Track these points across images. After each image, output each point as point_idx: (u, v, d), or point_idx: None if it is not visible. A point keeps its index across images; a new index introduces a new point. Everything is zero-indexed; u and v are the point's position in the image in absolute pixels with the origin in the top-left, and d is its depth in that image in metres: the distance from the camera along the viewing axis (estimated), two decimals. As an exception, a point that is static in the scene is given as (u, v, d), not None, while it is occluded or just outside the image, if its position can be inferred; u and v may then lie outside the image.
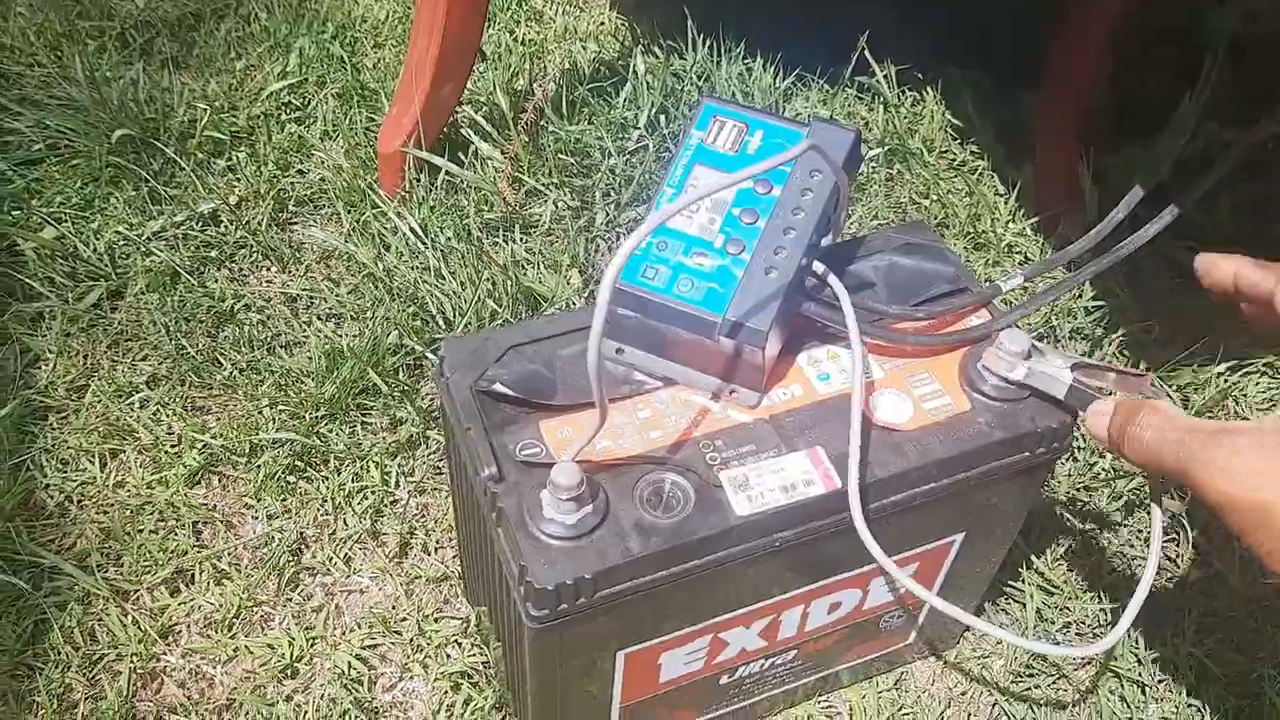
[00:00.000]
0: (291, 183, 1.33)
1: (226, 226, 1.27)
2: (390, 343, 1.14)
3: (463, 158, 1.32)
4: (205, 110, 1.37)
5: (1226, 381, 1.16)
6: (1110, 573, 1.04)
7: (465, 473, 0.76)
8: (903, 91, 1.44)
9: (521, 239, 1.26)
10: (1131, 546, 1.05)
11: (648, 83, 1.39)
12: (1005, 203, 1.32)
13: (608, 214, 1.27)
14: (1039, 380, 0.75)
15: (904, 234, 0.86)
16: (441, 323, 1.17)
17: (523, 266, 1.22)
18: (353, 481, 1.07)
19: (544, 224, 1.27)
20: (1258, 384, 1.18)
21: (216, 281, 1.22)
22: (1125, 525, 1.07)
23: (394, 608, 1.00)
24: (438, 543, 1.04)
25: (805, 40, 1.48)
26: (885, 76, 1.42)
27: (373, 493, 1.06)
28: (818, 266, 0.76)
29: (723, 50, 1.43)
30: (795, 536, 0.72)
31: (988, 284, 0.83)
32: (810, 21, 1.53)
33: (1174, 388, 1.15)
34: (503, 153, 1.32)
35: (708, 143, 0.79)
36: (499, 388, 0.73)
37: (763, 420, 0.74)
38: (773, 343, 0.73)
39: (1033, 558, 1.03)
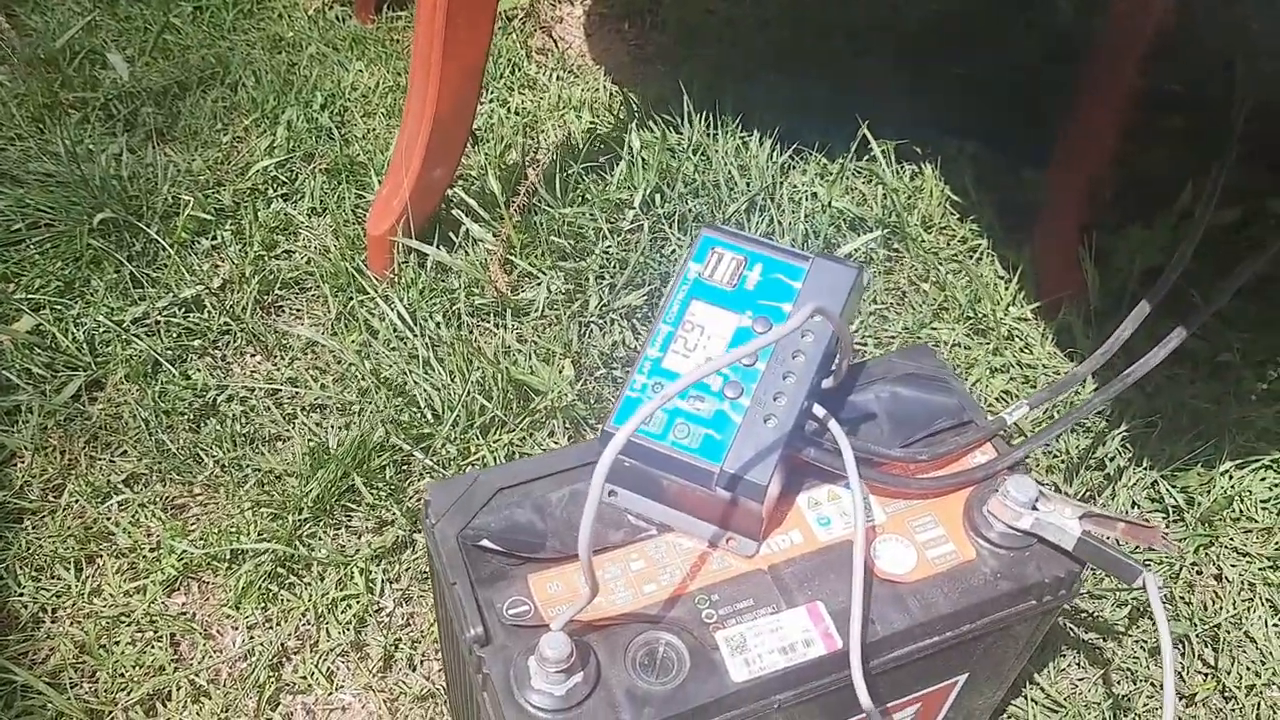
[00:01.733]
0: (278, 264, 1.30)
1: (210, 312, 1.24)
2: (377, 440, 1.11)
3: (454, 238, 1.30)
4: (190, 187, 1.34)
5: (1232, 480, 1.13)
6: (1117, 684, 1.01)
7: (451, 624, 0.73)
8: (901, 166, 1.42)
9: (513, 325, 1.23)
10: (1135, 659, 1.02)
11: (643, 159, 1.36)
12: (1006, 286, 1.30)
13: (601, 297, 1.25)
14: (1047, 530, 0.72)
15: (907, 360, 0.83)
16: (430, 416, 1.14)
17: (514, 357, 1.19)
18: (336, 589, 1.04)
19: (537, 309, 1.24)
20: (1263, 479, 1.15)
21: (199, 371, 1.19)
22: (1129, 635, 1.04)
23: (378, 728, 0.97)
24: (423, 656, 1.01)
25: (803, 112, 1.46)
26: (884, 153, 1.40)
27: (357, 601, 1.03)
28: (818, 410, 0.73)
29: (719, 124, 1.41)
30: (794, 698, 0.69)
31: (993, 418, 0.80)
32: (808, 93, 1.51)
33: (1179, 489, 1.12)
34: (495, 235, 1.29)
35: (705, 276, 0.76)
36: (486, 543, 0.70)
37: (761, 571, 0.71)
38: (772, 493, 0.71)
39: (1035, 675, 1.00)
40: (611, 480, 0.74)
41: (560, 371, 1.18)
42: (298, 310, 1.27)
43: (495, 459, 1.11)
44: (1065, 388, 0.87)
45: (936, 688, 0.80)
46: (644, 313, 1.25)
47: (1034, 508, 0.72)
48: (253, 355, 1.23)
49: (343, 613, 1.02)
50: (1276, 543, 1.10)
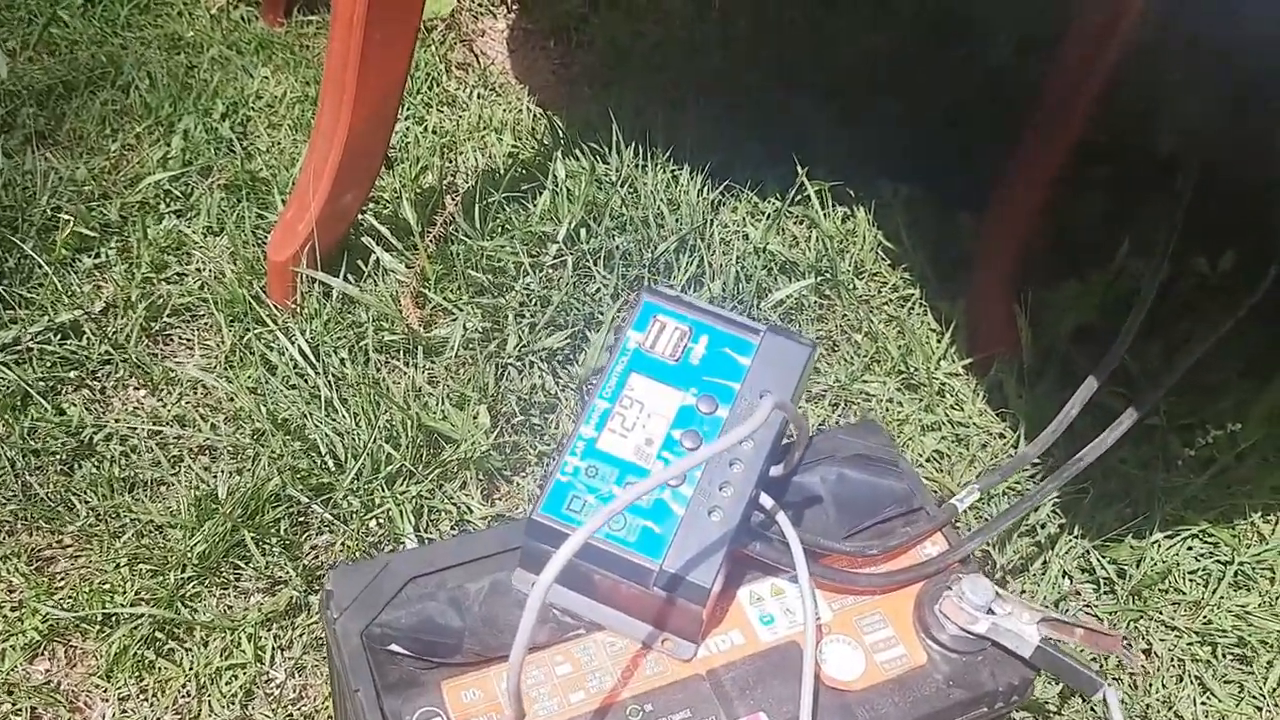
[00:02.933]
0: (168, 288, 1.19)
1: (89, 339, 1.13)
2: (271, 489, 1.02)
3: (363, 267, 1.21)
4: (73, 198, 1.22)
5: (1161, 551, 1.11)
6: (1046, 770, 0.98)
7: (351, 730, 0.65)
8: (832, 208, 1.37)
9: (424, 365, 1.15)
10: (1068, 740, 0.99)
11: (569, 190, 1.29)
12: (938, 339, 1.26)
13: (520, 337, 1.17)
14: (1003, 636, 0.67)
15: (854, 438, 0.78)
16: (331, 464, 1.05)
17: (424, 400, 1.11)
18: (221, 657, 0.94)
19: (451, 348, 1.16)
20: (1190, 549, 1.13)
21: (74, 406, 1.08)
22: (1060, 715, 1.01)
23: (263, 816, 0.88)
24: (317, 733, 0.93)
25: (734, 147, 1.41)
26: (818, 193, 1.35)
27: (244, 671, 0.94)
28: (765, 500, 0.67)
29: (649, 155, 1.34)
30: (733, 821, 0.63)
31: (943, 505, 0.75)
32: (739, 126, 1.46)
33: (1110, 560, 1.10)
34: (407, 266, 1.21)
35: (646, 348, 0.70)
36: (395, 649, 0.63)
37: (699, 677, 0.65)
38: (714, 594, 0.64)
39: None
40: (532, 568, 0.67)
41: (475, 418, 1.10)
42: (188, 340, 1.17)
43: (402, 513, 1.03)
44: (1014, 469, 0.83)
45: (877, 794, 0.75)
46: (565, 355, 1.18)
47: (990, 610, 0.67)
48: (136, 389, 1.13)
49: (228, 684, 0.93)
50: (1204, 617, 1.08)
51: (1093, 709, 1.01)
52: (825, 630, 0.68)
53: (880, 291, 1.33)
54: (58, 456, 1.05)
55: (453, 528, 1.05)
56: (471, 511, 1.06)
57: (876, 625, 0.69)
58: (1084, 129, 1.19)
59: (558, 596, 0.67)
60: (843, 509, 0.74)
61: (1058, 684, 1.00)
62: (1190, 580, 1.11)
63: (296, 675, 0.95)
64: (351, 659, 0.63)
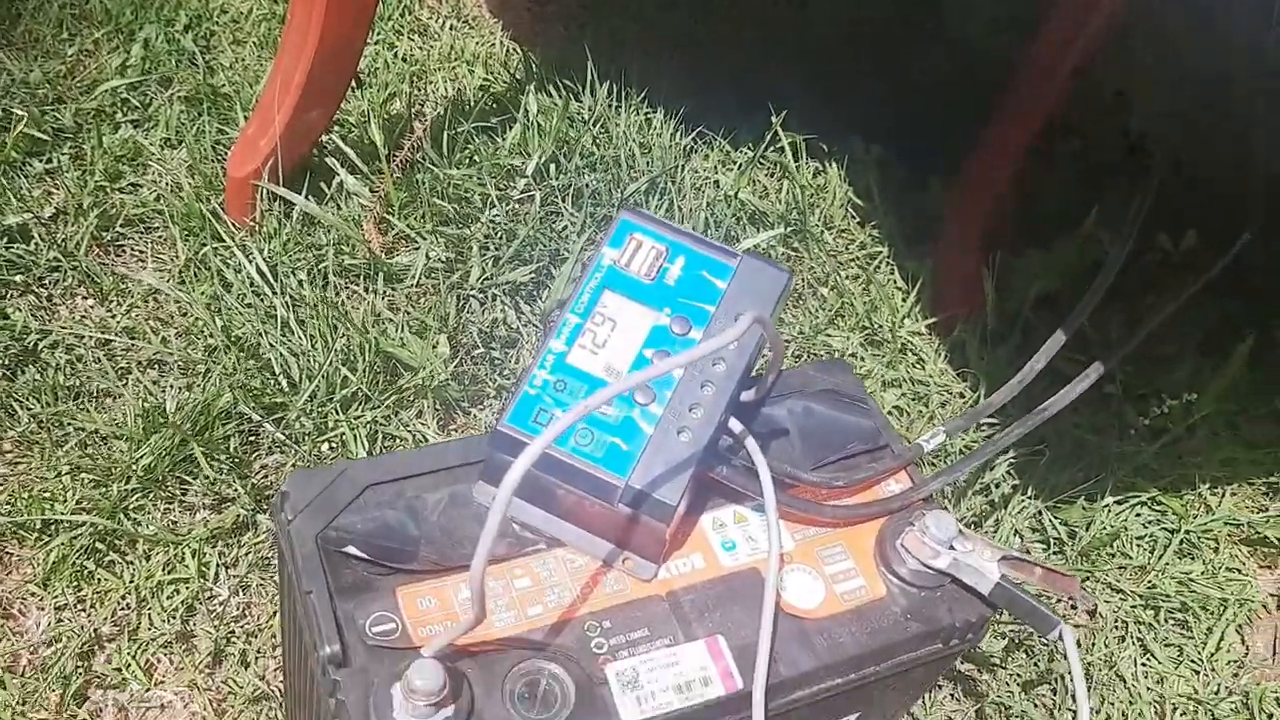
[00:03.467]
0: (121, 197, 1.16)
1: (38, 244, 1.09)
2: (222, 405, 0.99)
3: (325, 189, 1.18)
4: (25, 100, 1.18)
5: (1112, 515, 1.12)
6: (987, 719, 0.99)
7: (301, 635, 0.64)
8: (804, 162, 1.36)
9: (385, 291, 1.13)
10: (1009, 693, 1.00)
11: (539, 125, 1.27)
12: (904, 298, 1.26)
13: (484, 269, 1.15)
14: (963, 572, 0.67)
15: (823, 374, 0.77)
16: (285, 384, 1.03)
17: (384, 326, 1.09)
18: (163, 571, 0.92)
19: (412, 276, 1.14)
20: (1139, 515, 1.15)
21: (19, 311, 1.05)
22: (1004, 668, 1.02)
23: (200, 732, 0.86)
24: (259, 651, 0.91)
25: (708, 96, 1.39)
26: (791, 145, 1.34)
27: (186, 586, 0.92)
28: (735, 425, 0.67)
29: (623, 97, 1.33)
30: (684, 740, 0.62)
31: (909, 445, 0.75)
32: (718, 75, 1.44)
33: (1061, 521, 1.11)
34: (371, 190, 1.18)
35: (621, 265, 0.69)
36: (351, 550, 0.61)
37: (659, 598, 0.64)
38: (679, 514, 0.64)
39: (910, 705, 0.97)
40: (494, 480, 0.65)
41: (434, 347, 1.08)
42: (140, 252, 1.14)
43: (356, 438, 1.01)
44: (979, 415, 0.83)
45: (826, 727, 0.75)
46: (529, 291, 1.17)
47: (951, 547, 0.67)
48: (84, 298, 1.09)
49: (169, 598, 0.91)
50: (1149, 581, 1.09)
51: (1035, 663, 1.02)
52: (787, 559, 0.67)
53: (848, 248, 1.33)
54: (0, 361, 1.01)
55: (407, 455, 1.03)
56: (427, 440, 1.04)
57: (837, 557, 0.68)
58: (1058, 104, 1.19)
59: (518, 510, 0.65)
60: (809, 442, 0.73)
61: (1012, 625, 1.01)
62: (1137, 545, 1.13)
63: (241, 593, 0.93)
64: (305, 561, 0.61)
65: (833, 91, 1.43)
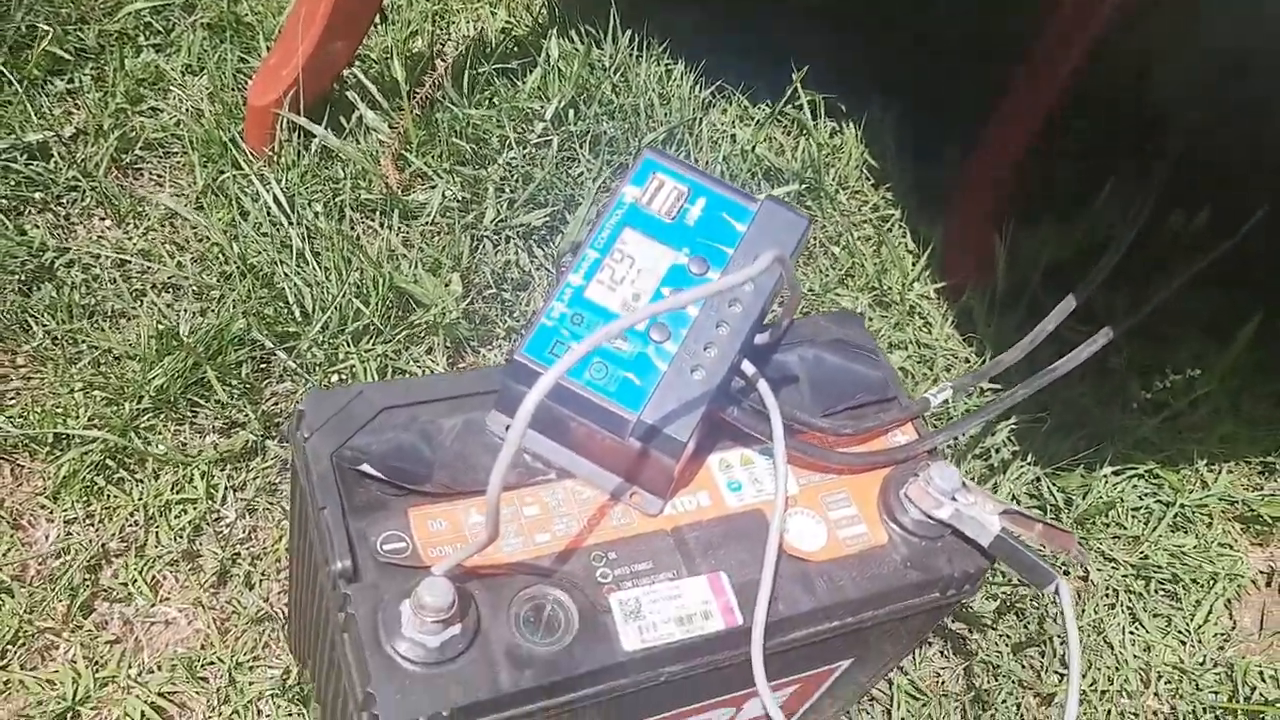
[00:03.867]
0: (142, 121, 1.16)
1: (57, 163, 1.10)
2: (235, 331, 1.00)
3: (344, 123, 1.18)
4: (49, 18, 1.18)
5: (1108, 485, 1.13)
6: (977, 677, 1.00)
7: (312, 552, 0.65)
8: (823, 119, 1.36)
9: (400, 227, 1.13)
10: (998, 653, 1.01)
11: (560, 70, 1.27)
12: (914, 261, 1.27)
13: (499, 211, 1.16)
14: (964, 523, 0.68)
15: (835, 325, 0.78)
16: (298, 313, 1.04)
17: (397, 261, 1.10)
18: (172, 491, 0.93)
19: (428, 213, 1.14)
20: (1135, 487, 1.16)
21: (37, 228, 1.05)
22: (995, 629, 1.03)
23: (203, 648, 0.88)
24: (264, 574, 0.92)
25: (727, 51, 1.39)
26: (810, 103, 1.34)
27: (194, 507, 0.93)
28: (747, 367, 0.67)
29: (644, 47, 1.32)
30: (683, 671, 0.64)
31: (916, 399, 0.76)
32: (739, 28, 1.44)
33: (1059, 488, 1.12)
34: (390, 126, 1.19)
35: (642, 203, 0.69)
36: (366, 468, 0.62)
37: (664, 532, 0.65)
38: (688, 451, 0.65)
39: (901, 660, 0.98)
40: (508, 410, 0.66)
41: (447, 285, 1.09)
42: (159, 176, 1.14)
43: (366, 371, 1.02)
44: (988, 374, 0.84)
45: (819, 670, 0.76)
46: (542, 234, 1.17)
47: (953, 498, 0.68)
48: (102, 219, 1.10)
49: (177, 518, 0.92)
50: (1141, 552, 1.10)
51: (1025, 624, 1.03)
52: (791, 503, 0.69)
53: (861, 209, 1.33)
54: (16, 276, 1.02)
55: (416, 390, 1.04)
56: (436, 376, 1.05)
57: (841, 503, 0.70)
58: (1076, 77, 1.19)
59: (530, 441, 0.66)
60: (818, 390, 0.74)
61: (1004, 586, 1.03)
62: (1132, 516, 1.14)
63: (248, 516, 0.94)
64: (320, 478, 0.62)
65: (854, 49, 1.43)
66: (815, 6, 1.50)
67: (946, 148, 1.38)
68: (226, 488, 0.95)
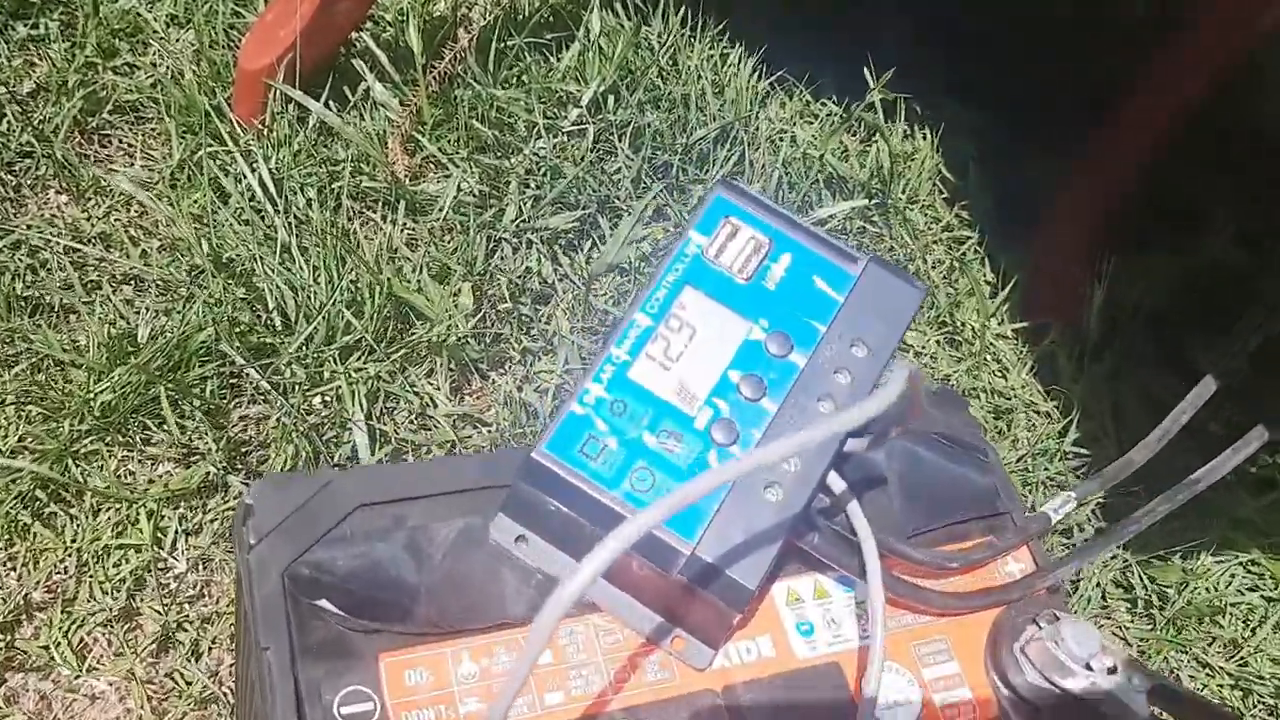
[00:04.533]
0: (114, 79, 1.00)
1: (10, 123, 0.94)
2: (202, 341, 0.84)
3: (349, 96, 1.02)
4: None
5: (1205, 578, 0.98)
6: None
7: (252, 693, 0.50)
8: (894, 122, 1.19)
9: (405, 223, 0.97)
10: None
11: (601, 48, 1.10)
12: (993, 294, 1.10)
13: (521, 210, 1.00)
14: (1103, 701, 0.53)
15: (934, 409, 0.62)
16: (278, 321, 0.88)
17: (399, 265, 0.94)
18: (112, 533, 0.78)
19: (439, 208, 0.98)
20: (1232, 575, 1.00)
21: (-22, 201, 0.90)
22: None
23: (134, 733, 0.73)
24: (214, 641, 0.77)
25: (793, 34, 1.22)
26: (883, 102, 1.17)
27: (137, 554, 0.78)
28: (836, 483, 0.52)
29: (699, 27, 1.15)
30: None
31: (1033, 516, 0.60)
32: (806, 15, 1.27)
33: (1151, 579, 0.96)
34: (402, 103, 1.02)
35: (710, 256, 0.53)
36: (325, 604, 0.47)
37: (712, 693, 0.50)
38: (755, 600, 0.49)
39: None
40: (524, 519, 0.51)
41: (455, 296, 0.93)
42: (128, 145, 0.98)
43: (354, 394, 0.86)
44: (1115, 478, 0.68)
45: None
46: (570, 239, 1.01)
47: (1088, 666, 0.53)
48: (58, 192, 0.94)
49: (116, 566, 0.77)
50: (1241, 658, 0.95)
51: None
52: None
53: (931, 228, 1.17)
54: (-52, 258, 0.86)
55: (411, 420, 0.89)
56: (435, 406, 0.89)
57: (940, 656, 0.54)
58: (1215, 95, 1.02)
59: (544, 558, 0.51)
60: (911, 500, 0.58)
61: None
62: (1231, 613, 0.98)
63: (200, 568, 0.79)
64: (265, 605, 0.47)
65: (930, 41, 1.26)
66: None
67: (1035, 161, 1.21)
68: (178, 531, 0.80)
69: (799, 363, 0.51)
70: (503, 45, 1.06)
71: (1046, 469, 0.99)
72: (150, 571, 0.78)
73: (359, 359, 0.89)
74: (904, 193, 1.16)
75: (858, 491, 0.56)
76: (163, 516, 0.79)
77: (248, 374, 0.85)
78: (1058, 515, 0.61)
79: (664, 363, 0.51)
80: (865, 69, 1.16)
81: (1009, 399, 1.05)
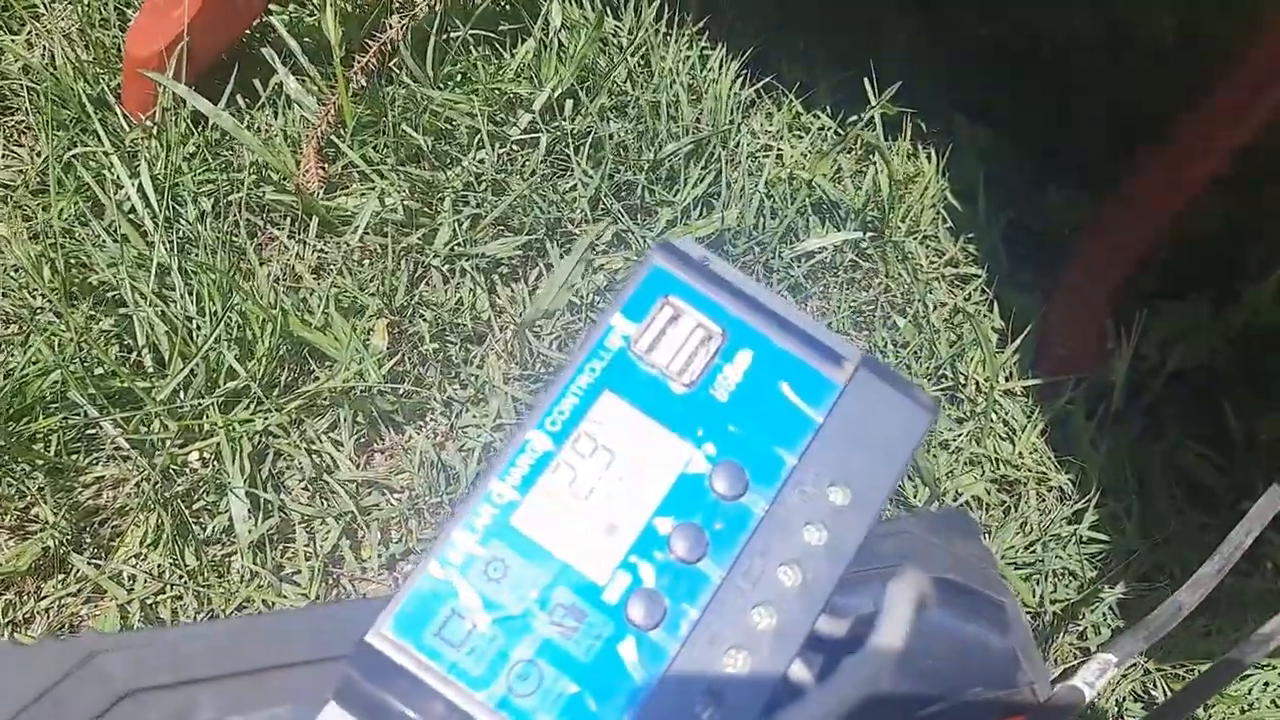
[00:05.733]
0: (-23, 61, 0.85)
1: None
2: (49, 387, 0.69)
3: (259, 89, 0.87)
4: None
5: (1241, 692, 0.84)
6: None
7: None
8: (902, 140, 1.05)
9: (314, 245, 0.82)
10: None
11: (560, 44, 0.95)
12: (1001, 344, 0.96)
13: (455, 232, 0.85)
14: None
15: (935, 535, 0.48)
16: (149, 361, 0.73)
17: (303, 295, 0.79)
18: (-85, 627, 0.63)
19: (356, 228, 0.83)
20: (1267, 685, 0.86)
21: None
22: None
23: None
24: (35, 766, 0.62)
25: (786, 39, 1.07)
26: (884, 117, 1.03)
27: (-55, 654, 0.63)
28: (799, 672, 0.37)
29: (675, 23, 1.00)
30: None
31: (1060, 692, 0.46)
32: (800, 15, 1.12)
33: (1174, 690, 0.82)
34: (320, 101, 0.87)
35: (639, 351, 0.38)
36: None
37: None
38: None
39: None
40: (359, 714, 0.36)
41: (367, 335, 0.78)
42: (-13, 144, 0.83)
43: (236, 452, 0.71)
44: (1162, 630, 0.54)
45: None
46: (511, 269, 0.86)
47: None
48: (-107, 195, 0.79)
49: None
50: (1280, 790, 0.81)
51: None
52: None
53: (933, 263, 1.02)
54: None
55: (305, 487, 0.74)
56: (336, 468, 0.75)
57: None
58: (1257, 134, 0.88)
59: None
60: (912, 673, 0.44)
61: None
62: (1264, 729, 0.85)
63: (22, 674, 0.64)
64: None
65: (936, 51, 1.11)
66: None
67: (1052, 189, 1.07)
68: (5, 623, 0.65)
69: (756, 508, 0.36)
70: (444, 37, 0.91)
71: (1060, 557, 0.85)
72: (-40, 676, 0.63)
73: (246, 408, 0.74)
74: (903, 221, 1.01)
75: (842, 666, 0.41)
76: (-18, 607, 0.65)
77: (103, 428, 0.70)
78: (1093, 690, 0.46)
79: (566, 503, 0.36)
80: (865, 79, 1.02)
81: (1017, 468, 0.90)
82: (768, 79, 1.04)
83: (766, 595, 0.35)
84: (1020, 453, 0.92)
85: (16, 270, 0.76)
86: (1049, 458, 0.92)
